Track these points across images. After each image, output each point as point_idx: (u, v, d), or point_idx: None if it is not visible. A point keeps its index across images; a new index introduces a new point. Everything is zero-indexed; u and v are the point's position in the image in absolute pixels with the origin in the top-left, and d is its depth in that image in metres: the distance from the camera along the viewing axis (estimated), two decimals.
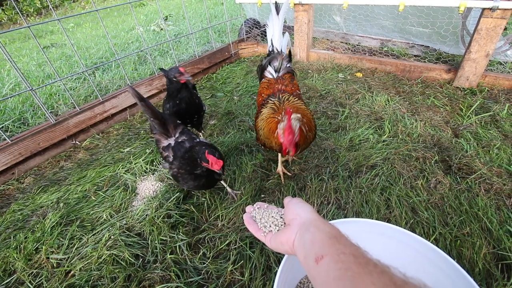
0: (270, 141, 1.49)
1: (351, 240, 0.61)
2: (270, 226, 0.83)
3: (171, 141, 1.54)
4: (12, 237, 1.60)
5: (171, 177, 1.64)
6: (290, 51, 1.85)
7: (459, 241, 1.33)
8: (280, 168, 1.81)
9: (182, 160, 1.43)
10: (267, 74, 1.79)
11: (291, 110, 1.26)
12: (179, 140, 1.53)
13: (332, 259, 0.56)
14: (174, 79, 1.79)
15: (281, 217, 0.85)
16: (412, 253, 0.98)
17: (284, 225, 0.81)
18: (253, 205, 0.96)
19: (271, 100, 1.61)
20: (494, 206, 1.49)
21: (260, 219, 0.87)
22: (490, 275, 1.20)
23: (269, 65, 1.77)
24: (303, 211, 0.74)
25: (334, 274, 0.53)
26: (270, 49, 1.86)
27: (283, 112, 1.34)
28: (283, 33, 1.89)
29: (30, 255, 1.49)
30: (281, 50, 1.81)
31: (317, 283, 0.57)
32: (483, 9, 2.21)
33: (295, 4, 3.03)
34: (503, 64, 2.82)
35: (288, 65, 1.77)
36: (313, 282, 0.59)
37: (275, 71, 1.75)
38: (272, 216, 0.86)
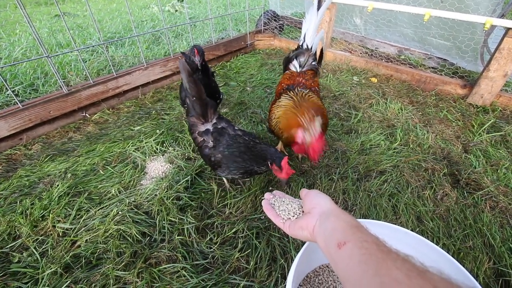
0: (283, 133, 1.51)
1: (370, 231, 0.64)
2: (289, 213, 0.85)
3: (209, 126, 1.47)
4: (18, 202, 1.59)
5: (209, 164, 1.51)
6: (322, 50, 1.82)
7: (462, 253, 1.36)
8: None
9: (240, 152, 1.36)
10: (291, 67, 1.79)
11: (315, 115, 1.27)
12: (219, 126, 1.46)
13: (355, 245, 0.58)
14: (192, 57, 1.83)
15: (299, 208, 0.87)
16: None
17: (303, 214, 0.83)
18: (271, 192, 0.98)
19: (289, 90, 1.63)
20: (498, 223, 1.51)
21: (278, 207, 0.89)
22: None
23: (295, 59, 1.76)
24: (323, 201, 0.77)
25: (358, 258, 0.55)
26: (300, 43, 1.83)
27: (306, 115, 1.34)
28: (318, 30, 1.86)
29: (36, 222, 1.49)
30: (311, 47, 1.78)
31: (339, 266, 0.59)
32: (508, 28, 2.20)
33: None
34: None
35: (313, 63, 1.75)
36: (334, 265, 0.61)
37: (300, 66, 1.74)
38: (291, 205, 0.88)
